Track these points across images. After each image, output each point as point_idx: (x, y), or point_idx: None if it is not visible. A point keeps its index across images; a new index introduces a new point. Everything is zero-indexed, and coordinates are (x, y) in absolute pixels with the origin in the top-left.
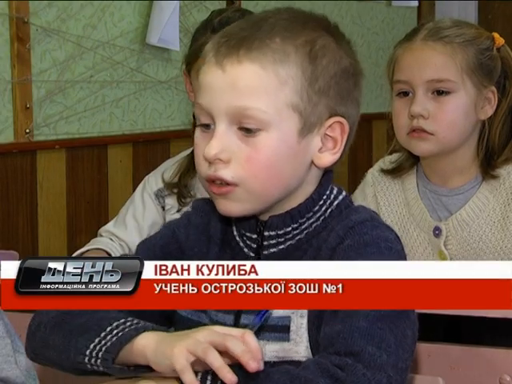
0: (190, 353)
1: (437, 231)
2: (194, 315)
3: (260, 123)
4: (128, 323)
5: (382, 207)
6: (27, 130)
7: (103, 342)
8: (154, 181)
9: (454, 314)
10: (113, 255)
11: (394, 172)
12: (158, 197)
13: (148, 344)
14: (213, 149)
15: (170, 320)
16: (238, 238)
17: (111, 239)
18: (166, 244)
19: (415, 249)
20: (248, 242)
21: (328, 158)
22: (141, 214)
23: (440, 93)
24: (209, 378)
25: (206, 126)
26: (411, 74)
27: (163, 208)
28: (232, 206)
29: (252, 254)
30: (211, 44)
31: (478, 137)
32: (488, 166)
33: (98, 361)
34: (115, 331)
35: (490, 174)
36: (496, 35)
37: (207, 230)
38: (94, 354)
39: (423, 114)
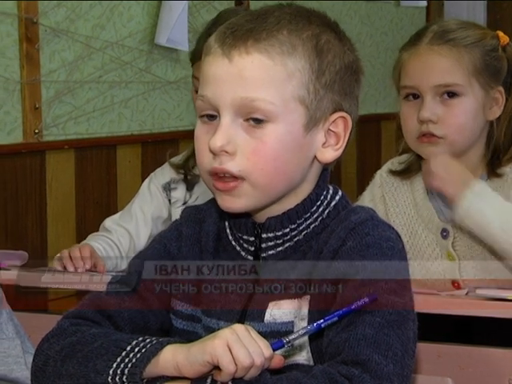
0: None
1: (444, 233)
2: (190, 326)
3: (267, 115)
4: (148, 340)
5: (390, 208)
6: (36, 131)
7: (127, 360)
8: (161, 174)
9: (464, 314)
10: (100, 254)
11: (403, 173)
12: (166, 189)
13: (177, 353)
14: (218, 140)
15: (167, 333)
16: (234, 243)
17: (109, 238)
18: (158, 259)
19: (423, 250)
20: (245, 246)
21: (331, 154)
22: (147, 205)
23: (448, 96)
24: (208, 381)
25: (210, 118)
26: (418, 79)
27: (169, 201)
28: (236, 202)
29: (250, 257)
30: (215, 36)
31: (487, 137)
32: (493, 164)
33: (124, 377)
34: (137, 348)
35: (495, 173)
36: (500, 33)
37: (199, 240)
38: (118, 371)
39: (432, 119)
